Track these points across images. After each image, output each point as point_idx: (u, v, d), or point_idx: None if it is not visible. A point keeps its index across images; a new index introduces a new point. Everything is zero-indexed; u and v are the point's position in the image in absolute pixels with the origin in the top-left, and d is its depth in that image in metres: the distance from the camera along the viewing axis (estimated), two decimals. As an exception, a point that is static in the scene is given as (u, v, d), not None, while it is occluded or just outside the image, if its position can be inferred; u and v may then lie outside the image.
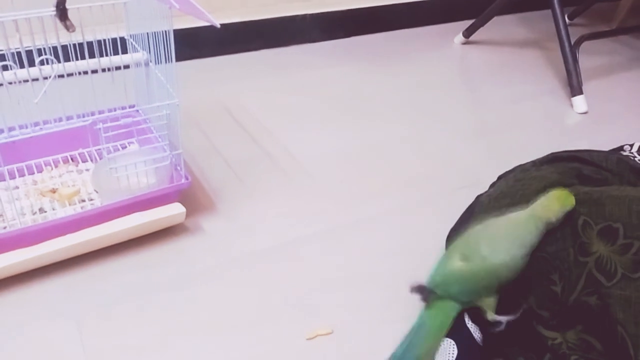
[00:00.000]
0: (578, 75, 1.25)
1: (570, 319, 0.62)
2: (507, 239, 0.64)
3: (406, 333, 0.62)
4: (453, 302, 0.63)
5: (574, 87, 1.25)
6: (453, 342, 0.66)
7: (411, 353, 0.60)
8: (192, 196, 0.90)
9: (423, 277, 0.78)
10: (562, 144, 1.12)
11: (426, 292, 0.65)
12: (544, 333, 0.64)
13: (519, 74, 1.43)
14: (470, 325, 0.67)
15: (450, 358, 0.64)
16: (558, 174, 0.74)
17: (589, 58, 1.50)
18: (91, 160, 0.94)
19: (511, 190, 0.75)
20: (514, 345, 0.66)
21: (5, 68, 0.74)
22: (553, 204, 0.64)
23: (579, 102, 1.24)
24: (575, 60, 1.26)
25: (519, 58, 1.53)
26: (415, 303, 0.74)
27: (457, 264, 0.64)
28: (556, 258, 0.64)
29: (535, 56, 1.55)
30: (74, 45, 0.82)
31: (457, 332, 0.67)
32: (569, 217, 0.65)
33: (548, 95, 1.32)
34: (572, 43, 1.28)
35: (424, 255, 0.82)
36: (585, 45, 1.35)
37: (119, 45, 0.87)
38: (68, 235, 0.74)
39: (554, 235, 0.66)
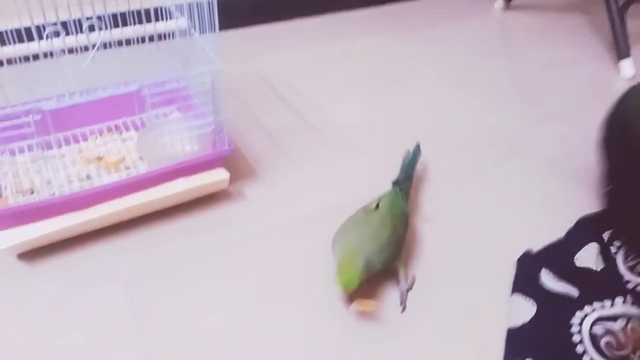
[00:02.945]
0: (626, 38, 1.21)
1: None
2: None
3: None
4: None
5: (621, 51, 1.21)
6: (531, 299, 0.66)
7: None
8: (233, 163, 0.91)
9: (467, 243, 0.78)
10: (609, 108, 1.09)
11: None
12: None
13: (562, 39, 1.39)
14: (547, 278, 0.68)
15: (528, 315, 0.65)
16: None
17: (636, 22, 1.44)
18: (134, 129, 0.95)
19: None
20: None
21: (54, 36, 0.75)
22: (339, 278, 0.64)
23: (627, 65, 1.20)
24: (623, 23, 1.22)
25: (563, 23, 1.49)
26: (457, 268, 0.74)
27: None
28: None
29: (579, 21, 1.50)
30: (120, 14, 0.83)
31: (530, 288, 0.68)
32: None
33: (594, 61, 1.28)
34: (620, 5, 1.23)
35: (467, 221, 0.82)
36: (633, 8, 1.30)
37: (163, 15, 0.87)
38: (116, 200, 0.75)
39: None
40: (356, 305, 0.66)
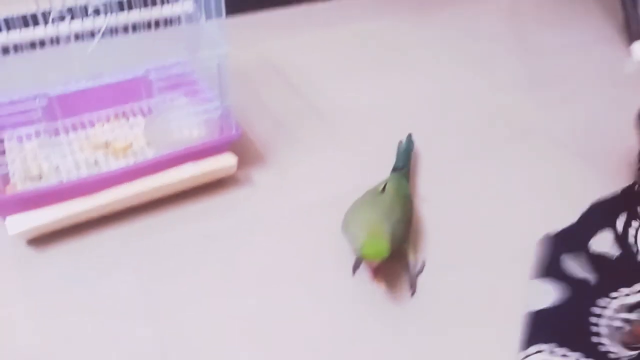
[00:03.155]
0: (638, 20, 1.19)
1: None
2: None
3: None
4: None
5: (633, 33, 1.19)
6: (552, 283, 0.65)
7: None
8: (241, 149, 0.90)
9: (475, 227, 0.77)
10: (620, 92, 1.08)
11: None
12: None
13: (573, 22, 1.37)
14: (568, 262, 0.67)
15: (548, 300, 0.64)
16: None
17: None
18: (141, 115, 0.94)
19: None
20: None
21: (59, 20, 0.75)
22: (367, 246, 0.62)
23: (638, 48, 1.18)
24: (635, 5, 1.20)
25: (573, 6, 1.46)
26: (465, 251, 0.73)
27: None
28: None
29: (590, 4, 1.48)
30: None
31: (552, 272, 0.67)
32: None
33: (605, 44, 1.26)
34: (631, -13, 1.21)
35: (475, 204, 0.81)
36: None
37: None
38: (123, 186, 0.75)
39: None
40: (379, 281, 0.66)
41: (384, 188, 0.73)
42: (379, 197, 0.71)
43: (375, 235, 0.63)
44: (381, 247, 0.62)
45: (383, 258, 0.62)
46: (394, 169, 0.82)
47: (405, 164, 0.84)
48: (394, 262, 0.70)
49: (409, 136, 0.91)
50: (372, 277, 0.65)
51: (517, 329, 0.63)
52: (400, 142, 0.90)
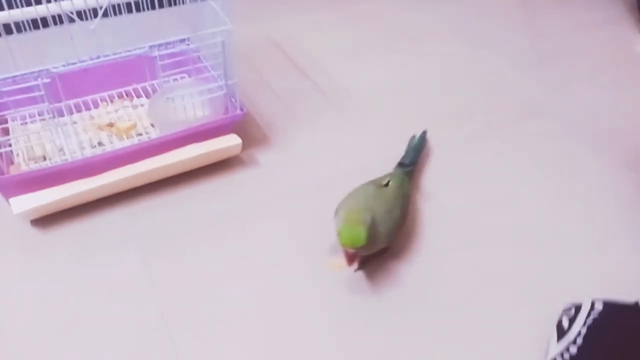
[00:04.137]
0: (649, -1, 1.17)
1: None
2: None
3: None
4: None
5: (644, 12, 1.17)
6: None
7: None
8: (245, 129, 0.90)
9: (479, 208, 0.77)
10: (630, 72, 1.07)
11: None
12: None
13: (582, 2, 1.35)
14: None
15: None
16: None
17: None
18: (145, 96, 0.94)
19: None
20: None
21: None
22: (344, 233, 0.61)
23: (650, 27, 1.16)
24: (646, -17, 1.18)
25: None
26: (466, 236, 0.73)
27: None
28: None
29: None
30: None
31: None
32: None
33: (615, 23, 1.24)
34: (643, -36, 1.19)
35: (488, 183, 0.80)
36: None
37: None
38: (128, 166, 0.74)
39: None
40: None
41: (387, 183, 0.71)
42: (379, 190, 0.69)
43: (353, 222, 0.61)
44: (358, 235, 0.60)
45: (359, 246, 0.60)
46: (400, 164, 0.80)
47: (412, 161, 0.81)
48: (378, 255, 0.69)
49: (423, 133, 0.88)
50: (347, 264, 0.63)
51: (518, 313, 0.63)
52: (413, 136, 0.87)
